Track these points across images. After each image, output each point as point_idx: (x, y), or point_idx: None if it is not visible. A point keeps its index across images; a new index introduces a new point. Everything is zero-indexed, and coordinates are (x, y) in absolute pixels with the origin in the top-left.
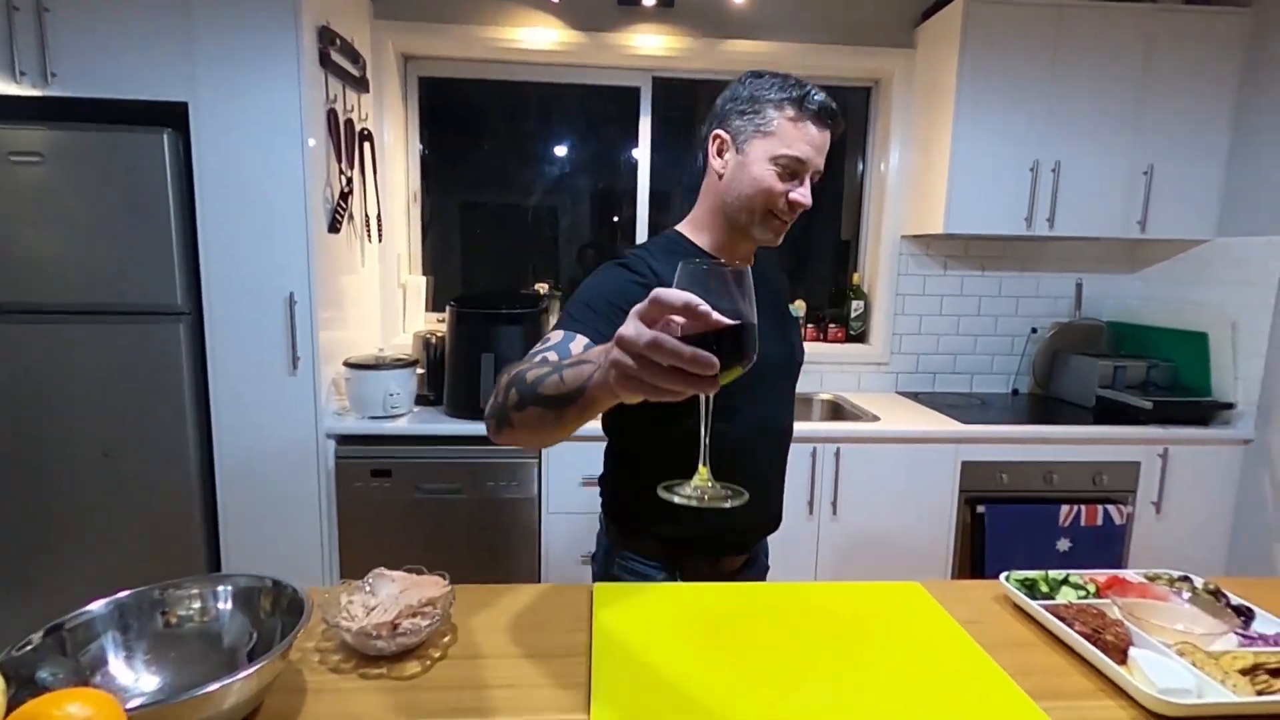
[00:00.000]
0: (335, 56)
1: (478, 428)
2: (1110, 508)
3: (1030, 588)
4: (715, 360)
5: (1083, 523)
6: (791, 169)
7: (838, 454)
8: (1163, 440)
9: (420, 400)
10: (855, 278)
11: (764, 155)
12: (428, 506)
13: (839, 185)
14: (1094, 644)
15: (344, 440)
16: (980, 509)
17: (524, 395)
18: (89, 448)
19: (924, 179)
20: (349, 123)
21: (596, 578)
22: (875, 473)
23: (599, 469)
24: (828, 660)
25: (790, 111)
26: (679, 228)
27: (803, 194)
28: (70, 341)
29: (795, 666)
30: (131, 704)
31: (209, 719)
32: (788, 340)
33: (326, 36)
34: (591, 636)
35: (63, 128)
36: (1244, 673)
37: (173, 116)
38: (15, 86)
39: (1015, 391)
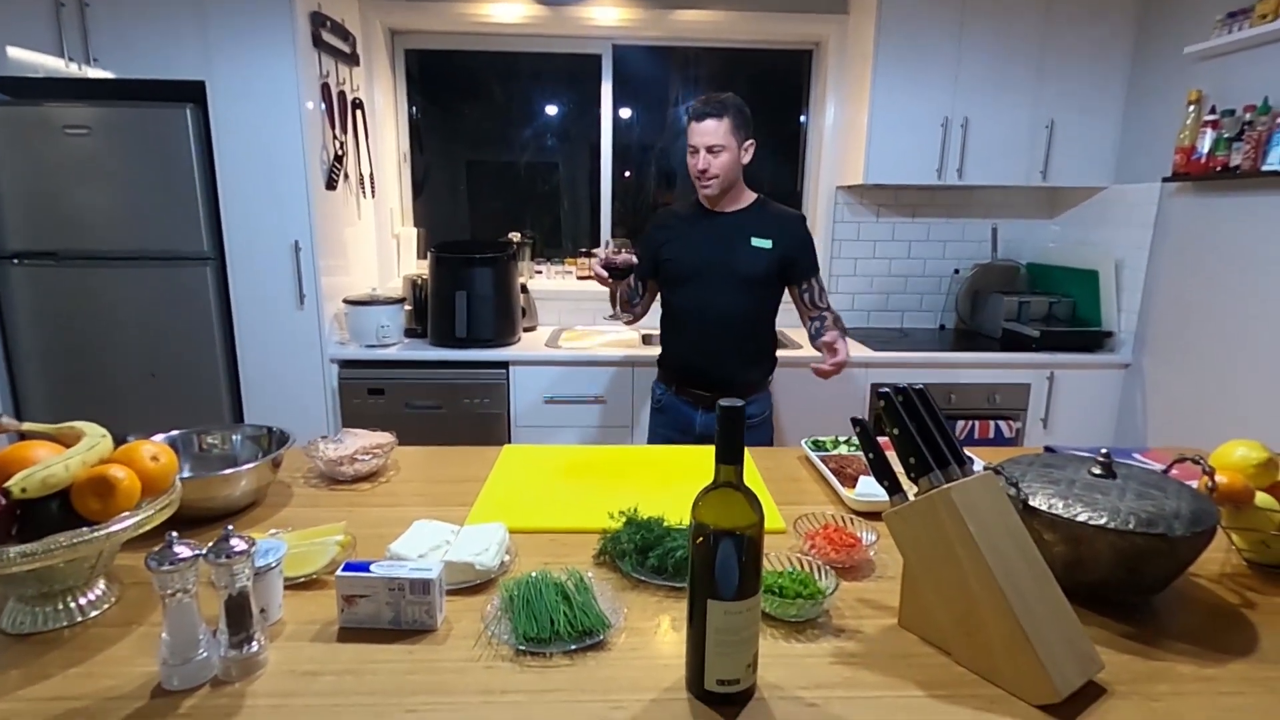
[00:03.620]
0: (326, 36)
1: (456, 354)
2: (1001, 423)
3: (820, 446)
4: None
5: (976, 435)
6: (694, 151)
7: None
8: (1048, 365)
9: (409, 332)
10: None
11: (688, 149)
12: (415, 420)
13: (792, 141)
14: (835, 474)
15: (345, 365)
16: (867, 418)
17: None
18: (138, 370)
19: (852, 134)
20: (341, 94)
21: None
22: (795, 393)
23: (560, 391)
24: (645, 485)
25: (688, 119)
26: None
27: (695, 162)
28: (117, 283)
29: (622, 489)
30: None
31: (228, 495)
32: (730, 256)
33: (318, 20)
34: (490, 473)
35: (106, 104)
36: None
37: (194, 92)
38: (65, 69)
39: (942, 327)
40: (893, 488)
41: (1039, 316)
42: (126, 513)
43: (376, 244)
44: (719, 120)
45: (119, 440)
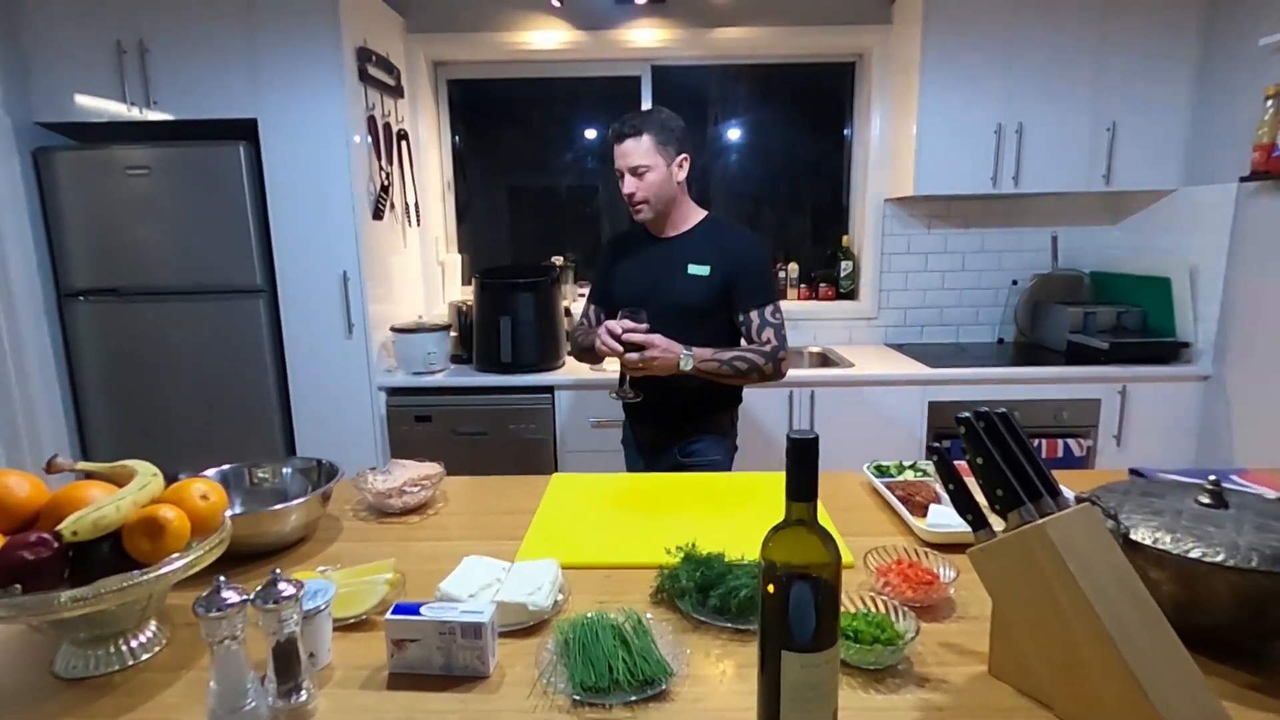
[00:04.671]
0: (372, 71)
1: (502, 379)
2: (1070, 441)
3: (883, 472)
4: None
5: (1044, 454)
6: (620, 175)
7: (812, 397)
8: (1120, 378)
9: (454, 359)
10: (844, 240)
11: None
12: (462, 446)
13: (835, 156)
14: (903, 502)
15: (392, 392)
16: (947, 444)
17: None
18: (196, 402)
19: (900, 145)
20: (386, 125)
21: None
22: (850, 414)
23: (605, 415)
24: (701, 516)
25: (611, 141)
26: None
27: (625, 187)
28: (175, 317)
29: (676, 520)
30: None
31: (278, 531)
32: (665, 286)
33: (364, 55)
34: (539, 504)
35: (164, 145)
36: None
37: (246, 130)
38: (126, 113)
39: (1000, 340)
40: (977, 522)
41: (1107, 327)
42: (176, 554)
43: (422, 271)
44: (637, 139)
45: (170, 478)
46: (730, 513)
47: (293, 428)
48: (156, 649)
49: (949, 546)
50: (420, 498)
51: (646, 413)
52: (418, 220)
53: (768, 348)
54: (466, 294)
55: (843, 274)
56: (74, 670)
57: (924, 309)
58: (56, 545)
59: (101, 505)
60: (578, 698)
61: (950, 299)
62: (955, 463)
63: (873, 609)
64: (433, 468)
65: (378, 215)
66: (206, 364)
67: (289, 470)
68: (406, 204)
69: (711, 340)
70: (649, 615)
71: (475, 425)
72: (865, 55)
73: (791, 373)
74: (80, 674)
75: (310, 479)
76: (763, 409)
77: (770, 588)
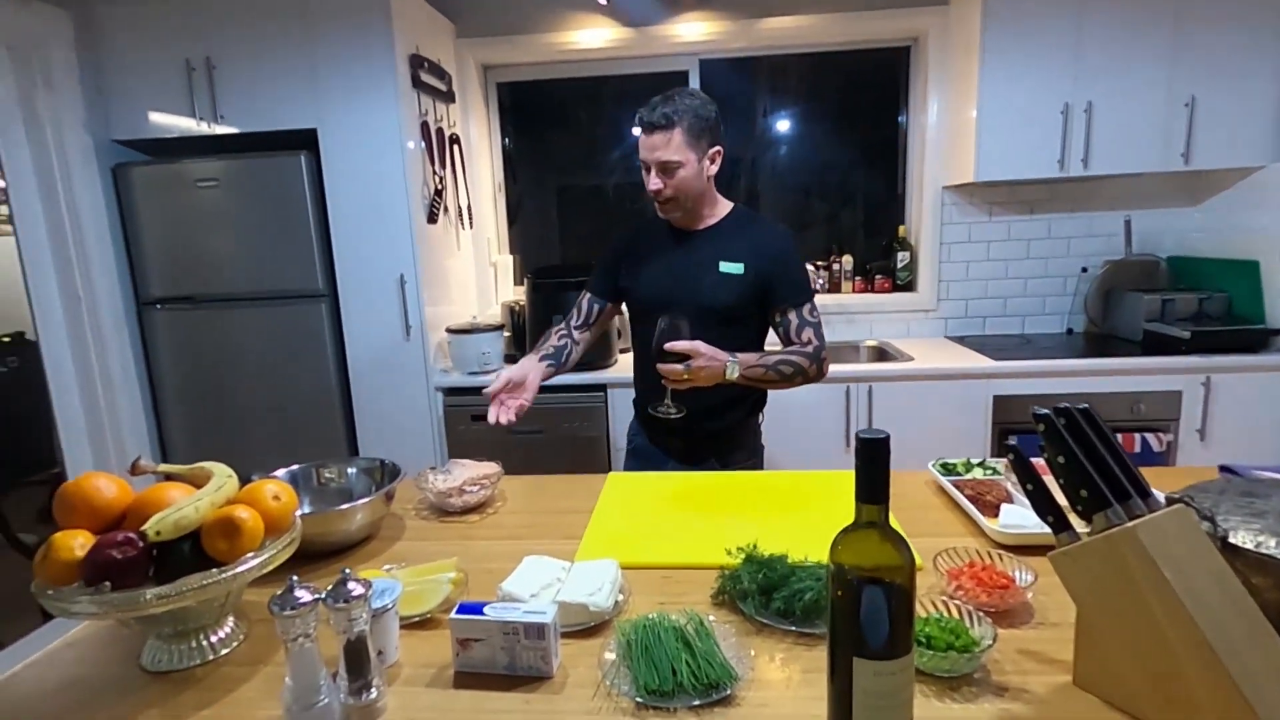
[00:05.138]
0: (425, 77)
1: (555, 378)
2: (1149, 435)
3: (950, 470)
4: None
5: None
6: (646, 169)
7: (870, 392)
8: (1203, 369)
9: (508, 358)
10: (901, 230)
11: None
12: (517, 444)
13: (889, 144)
14: (972, 501)
15: (449, 392)
16: (1012, 439)
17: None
18: (264, 404)
19: (959, 130)
20: (439, 130)
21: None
22: (910, 409)
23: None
24: (762, 515)
25: (638, 130)
26: None
27: (650, 183)
28: (243, 322)
29: (736, 519)
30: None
31: (344, 530)
32: (694, 287)
33: (416, 61)
34: (596, 504)
35: (231, 157)
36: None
37: (307, 140)
38: (196, 128)
39: (1070, 330)
40: (1058, 524)
41: (1187, 315)
42: (251, 553)
43: (475, 273)
44: (668, 132)
45: (244, 479)
46: (790, 513)
47: (354, 427)
48: (235, 644)
49: (1023, 548)
50: (480, 497)
51: (677, 426)
52: (470, 223)
53: (810, 348)
54: (519, 294)
55: (899, 265)
56: (159, 664)
57: (986, 300)
58: (142, 545)
59: (182, 506)
60: (641, 700)
61: (1015, 289)
62: (1032, 460)
63: (945, 614)
64: (491, 467)
65: (432, 219)
66: (273, 367)
67: (354, 470)
68: (459, 207)
69: (740, 344)
70: (711, 618)
71: (530, 424)
72: (921, 38)
73: (849, 367)
74: (165, 667)
75: (374, 479)
76: (809, 404)
77: (840, 592)
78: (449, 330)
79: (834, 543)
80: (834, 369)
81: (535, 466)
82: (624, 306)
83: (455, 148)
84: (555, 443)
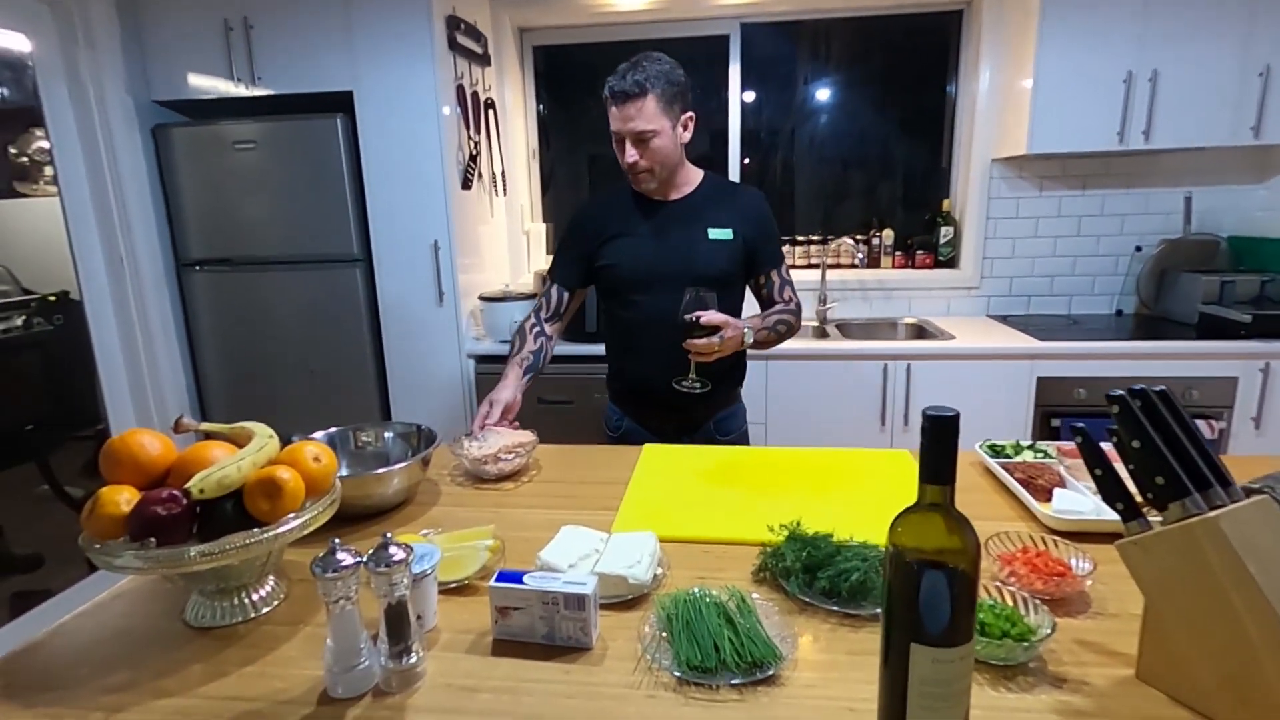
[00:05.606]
0: (461, 39)
1: (586, 348)
2: (1200, 423)
3: (998, 452)
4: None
5: None
6: (619, 141)
7: (908, 370)
8: (1263, 354)
9: None
10: (945, 204)
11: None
12: (548, 414)
13: (934, 114)
14: (1024, 485)
15: (481, 360)
16: (1055, 422)
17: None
18: (299, 366)
19: (1012, 100)
20: (474, 95)
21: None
22: (949, 388)
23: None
24: (803, 492)
25: (606, 100)
26: None
27: (626, 156)
28: (280, 285)
29: (777, 496)
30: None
31: (382, 494)
32: (687, 255)
33: (453, 23)
34: (633, 473)
35: (268, 119)
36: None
37: (343, 103)
38: (234, 89)
39: (1119, 312)
40: (1128, 512)
41: (1248, 298)
42: (292, 514)
43: (508, 240)
44: (640, 100)
45: (284, 440)
46: (830, 491)
47: (387, 391)
48: (276, 603)
49: (1078, 535)
50: (515, 465)
51: (661, 394)
52: (504, 189)
53: (793, 305)
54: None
55: (942, 241)
56: (203, 619)
57: (1032, 278)
58: (186, 502)
59: (225, 465)
60: (682, 675)
61: (1063, 267)
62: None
63: (999, 600)
64: (526, 435)
65: (466, 185)
66: (309, 330)
67: (390, 434)
68: (493, 173)
69: (731, 309)
70: (755, 595)
71: (561, 394)
72: (974, 1)
73: (887, 344)
74: (208, 623)
75: (410, 443)
76: (845, 382)
77: (899, 575)
78: (481, 298)
79: (893, 524)
80: (872, 345)
81: (565, 437)
82: (592, 290)
83: (490, 112)
84: (585, 414)
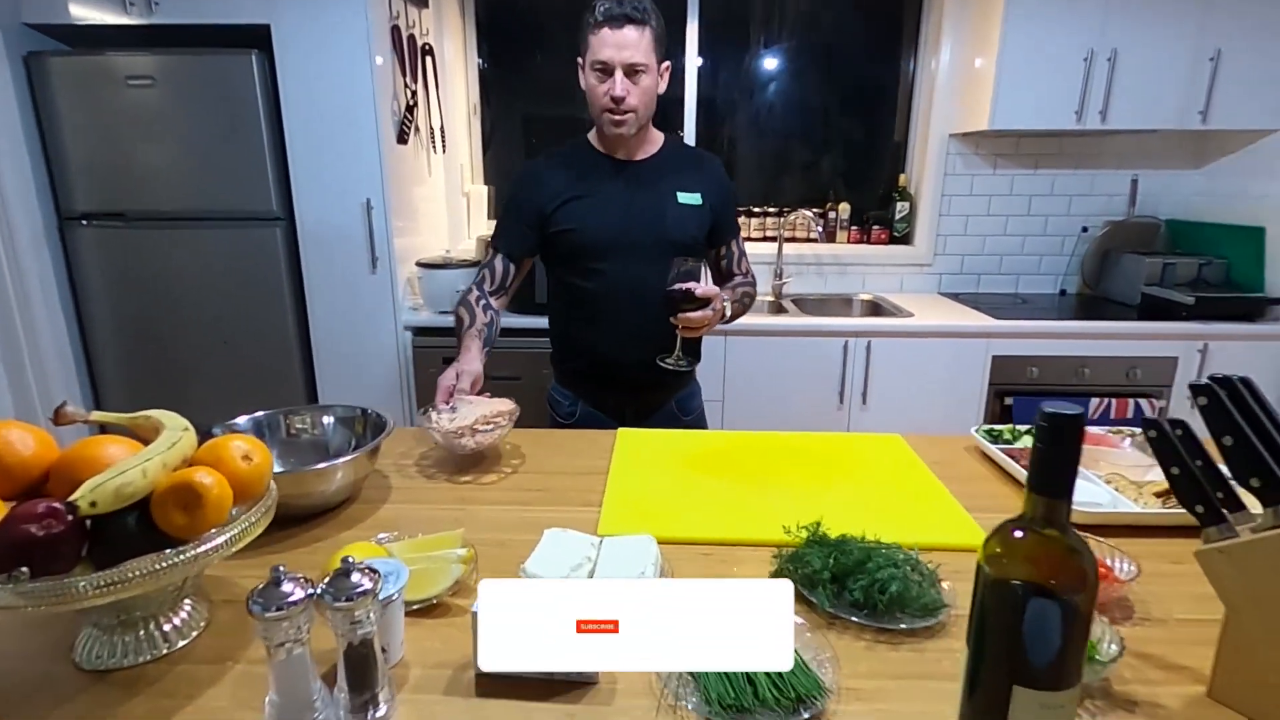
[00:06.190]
0: None
1: (535, 321)
2: (1142, 401)
3: (996, 437)
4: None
5: (1113, 415)
6: (603, 71)
7: (868, 348)
8: (1201, 335)
9: None
10: (901, 179)
11: (588, 66)
12: (494, 391)
13: (889, 88)
14: None
15: (419, 331)
16: (1009, 400)
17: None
18: (210, 338)
19: (974, 74)
20: (411, 38)
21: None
22: (906, 366)
23: None
24: (804, 484)
25: (592, 25)
26: (590, 134)
27: (612, 86)
28: (186, 245)
29: (775, 488)
30: None
31: (324, 492)
32: (659, 218)
33: None
34: (610, 463)
35: (168, 52)
36: (1159, 495)
37: (259, 38)
38: (125, 16)
39: (1063, 292)
40: (1208, 515)
41: (1187, 280)
42: (216, 528)
43: (446, 202)
44: (642, 29)
45: (203, 432)
46: (831, 480)
47: (313, 368)
48: (194, 633)
49: (1099, 529)
50: (494, 436)
51: (621, 373)
52: (443, 146)
53: (750, 276)
54: (492, 229)
55: (898, 216)
56: (98, 661)
57: (983, 256)
58: (71, 518)
59: (125, 469)
60: (710, 717)
61: (1012, 246)
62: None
63: None
64: (505, 404)
65: (402, 139)
66: (221, 297)
67: (329, 420)
68: (431, 128)
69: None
70: None
71: (508, 369)
72: None
73: (846, 321)
74: (106, 665)
75: (353, 430)
76: (801, 358)
77: (1002, 604)
78: (419, 264)
79: (987, 540)
80: (832, 322)
81: (519, 419)
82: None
83: (428, 60)
84: (534, 390)
